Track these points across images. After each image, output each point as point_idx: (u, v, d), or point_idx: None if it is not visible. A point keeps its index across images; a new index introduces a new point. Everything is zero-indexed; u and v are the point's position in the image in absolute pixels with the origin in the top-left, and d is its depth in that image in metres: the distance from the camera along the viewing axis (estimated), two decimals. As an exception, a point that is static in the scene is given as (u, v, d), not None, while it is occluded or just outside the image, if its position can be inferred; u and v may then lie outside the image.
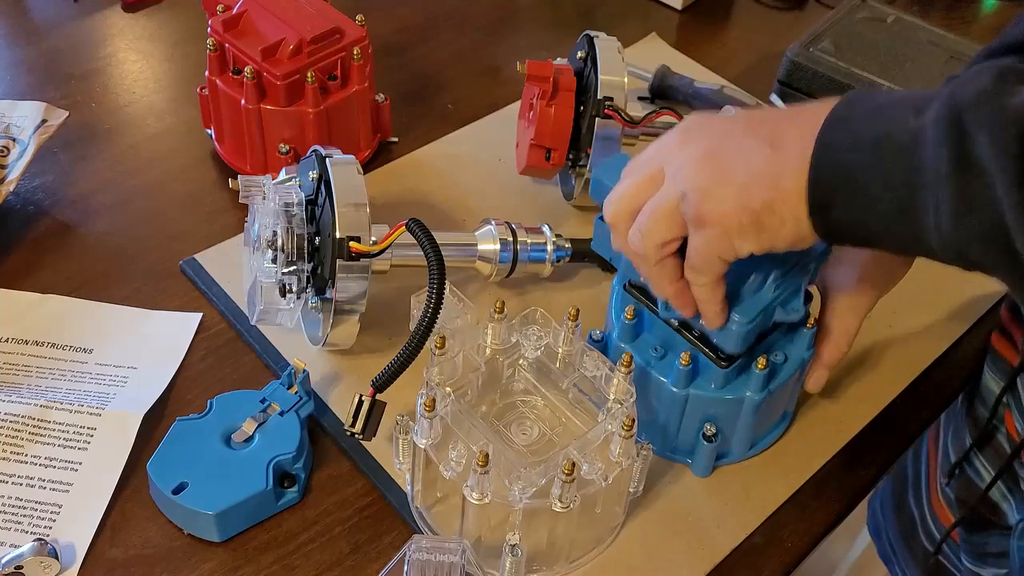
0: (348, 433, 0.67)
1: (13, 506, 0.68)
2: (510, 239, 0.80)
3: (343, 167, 0.72)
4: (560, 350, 0.69)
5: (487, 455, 0.60)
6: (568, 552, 0.66)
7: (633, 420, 0.62)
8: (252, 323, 0.75)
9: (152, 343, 0.79)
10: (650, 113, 0.84)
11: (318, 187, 0.73)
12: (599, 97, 0.83)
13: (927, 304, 0.86)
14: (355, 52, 0.88)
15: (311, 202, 0.73)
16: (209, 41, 0.87)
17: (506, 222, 0.81)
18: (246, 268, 0.76)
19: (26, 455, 0.70)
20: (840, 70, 0.99)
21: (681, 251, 0.60)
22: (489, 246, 0.80)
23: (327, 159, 0.72)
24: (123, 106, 1.01)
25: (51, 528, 0.67)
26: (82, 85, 1.02)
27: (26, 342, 0.78)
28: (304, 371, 0.72)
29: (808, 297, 0.70)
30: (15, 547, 0.64)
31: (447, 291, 0.68)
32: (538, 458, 0.64)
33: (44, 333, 0.79)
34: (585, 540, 0.67)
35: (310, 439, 0.71)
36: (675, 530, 0.70)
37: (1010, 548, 0.79)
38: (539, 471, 0.61)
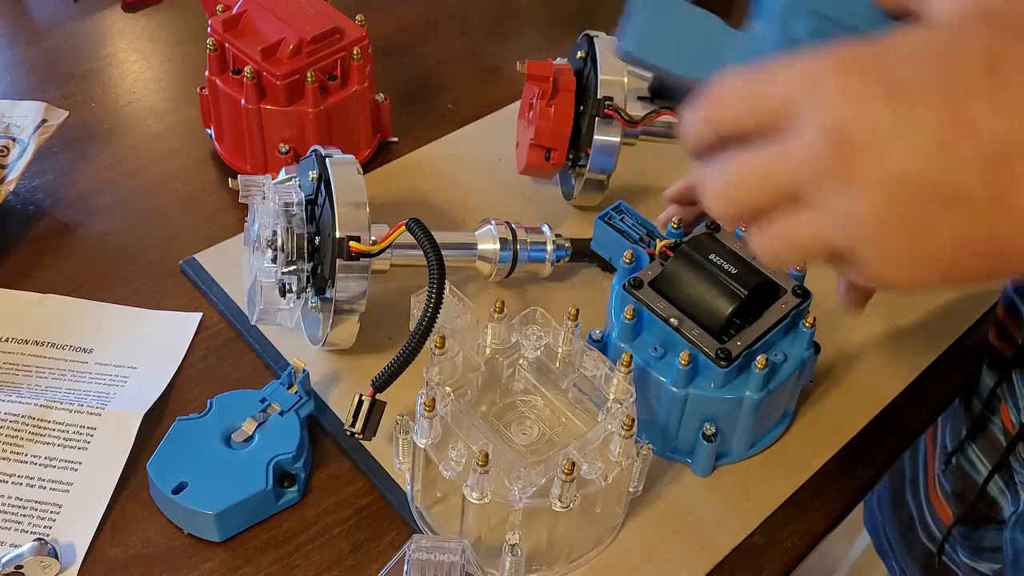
0: (348, 433, 0.67)
1: (13, 506, 0.68)
2: (510, 239, 0.80)
3: (343, 167, 0.72)
4: (560, 350, 0.69)
5: (487, 455, 0.60)
6: (568, 552, 0.66)
7: (633, 420, 0.62)
8: (252, 323, 0.75)
9: (152, 343, 0.79)
10: (650, 113, 0.84)
11: (318, 187, 0.73)
12: (599, 97, 0.83)
13: (927, 304, 0.86)
14: (355, 52, 0.88)
15: (311, 202, 0.73)
16: (209, 41, 0.87)
17: (506, 222, 0.81)
18: (246, 268, 0.76)
19: (26, 455, 0.70)
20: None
21: None
22: (489, 246, 0.80)
23: (327, 159, 0.72)
24: (123, 106, 1.01)
25: (51, 528, 0.67)
26: (82, 85, 1.02)
27: (26, 342, 0.78)
28: (304, 371, 0.72)
29: (808, 295, 0.70)
30: (15, 547, 0.64)
31: (447, 291, 0.68)
32: (538, 458, 0.64)
33: (44, 333, 0.79)
34: (585, 540, 0.67)
35: (310, 439, 0.71)
36: (675, 530, 0.70)
37: (1003, 540, 0.79)
38: (539, 471, 0.61)
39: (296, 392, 0.72)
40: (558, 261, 0.83)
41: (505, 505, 0.61)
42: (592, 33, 0.88)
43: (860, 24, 0.47)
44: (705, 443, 0.70)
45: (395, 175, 0.95)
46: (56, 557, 0.64)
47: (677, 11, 0.49)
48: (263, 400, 0.71)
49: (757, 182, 0.41)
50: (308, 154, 0.76)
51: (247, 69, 0.84)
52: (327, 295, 0.72)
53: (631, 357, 0.65)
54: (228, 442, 0.69)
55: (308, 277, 0.73)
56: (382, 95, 0.95)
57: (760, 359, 0.67)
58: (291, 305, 0.73)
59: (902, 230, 0.38)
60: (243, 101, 0.86)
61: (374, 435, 0.68)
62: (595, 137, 0.83)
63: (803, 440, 0.76)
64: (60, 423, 0.72)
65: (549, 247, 0.82)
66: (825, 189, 0.38)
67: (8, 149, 0.86)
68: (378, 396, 0.68)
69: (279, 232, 0.71)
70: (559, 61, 0.87)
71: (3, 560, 0.63)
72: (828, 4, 0.47)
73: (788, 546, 0.71)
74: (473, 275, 0.83)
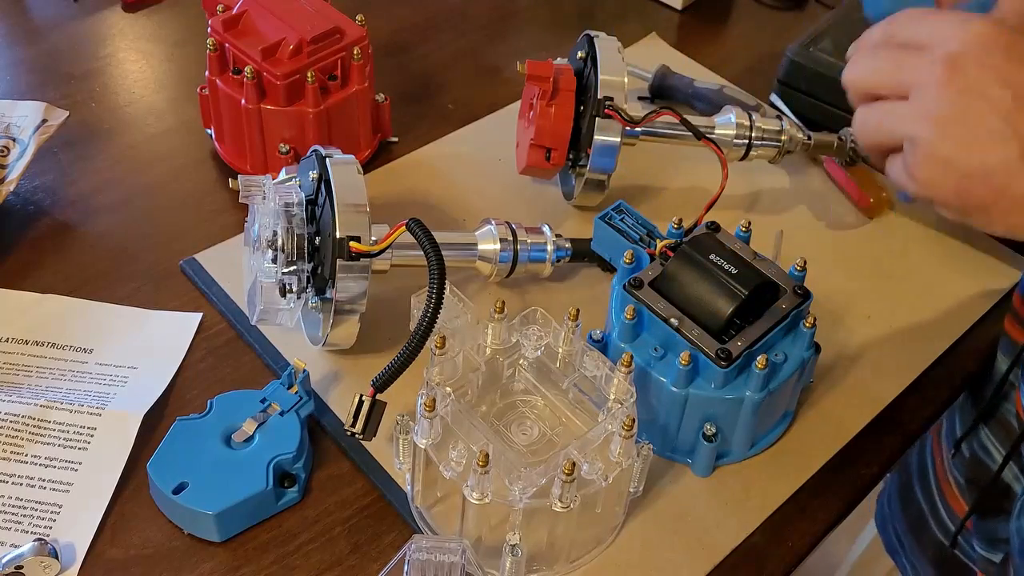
0: (348, 433, 0.67)
1: (13, 506, 0.68)
2: (510, 239, 0.80)
3: (343, 167, 0.72)
4: (560, 350, 0.69)
5: (487, 455, 0.60)
6: (568, 552, 0.66)
7: (633, 420, 0.62)
8: (252, 323, 0.75)
9: (152, 343, 0.79)
10: (650, 113, 0.84)
11: (318, 187, 0.73)
12: (599, 97, 0.83)
13: (927, 304, 0.86)
14: (355, 52, 0.88)
15: (311, 202, 0.73)
16: (209, 41, 0.87)
17: (506, 222, 0.81)
18: (246, 268, 0.76)
19: (26, 455, 0.70)
20: (840, 70, 0.98)
21: None
22: (489, 246, 0.80)
23: (327, 159, 0.72)
24: (123, 106, 1.01)
25: (51, 528, 0.67)
26: (82, 85, 1.02)
27: (26, 342, 0.78)
28: (304, 371, 0.72)
29: (808, 295, 0.70)
30: (15, 547, 0.64)
31: (447, 291, 0.68)
32: (538, 458, 0.64)
33: (44, 333, 0.79)
34: (585, 540, 0.67)
35: (310, 439, 0.71)
36: (675, 530, 0.70)
37: (1010, 530, 0.79)
38: (539, 471, 0.61)
39: (296, 392, 0.72)
40: (558, 261, 0.83)
41: (505, 505, 0.61)
42: (592, 33, 0.88)
43: None
44: (705, 443, 0.70)
45: (395, 175, 0.95)
46: (56, 557, 0.64)
47: None
48: (263, 400, 0.71)
49: (884, 67, 0.56)
50: (308, 154, 0.76)
51: (247, 69, 0.84)
52: (327, 295, 0.72)
53: (631, 357, 0.65)
54: (228, 442, 0.69)
55: (308, 277, 0.73)
56: (382, 95, 0.95)
57: (760, 359, 0.67)
58: (291, 305, 0.73)
59: (959, 137, 0.52)
60: (243, 101, 0.86)
61: (374, 435, 0.68)
62: (595, 137, 0.83)
63: (803, 440, 0.76)
64: (60, 423, 0.72)
65: (549, 247, 0.82)
66: (925, 90, 0.53)
67: (8, 149, 0.86)
68: (378, 396, 0.67)
69: (279, 232, 0.71)
70: (559, 61, 0.87)
71: (3, 560, 0.63)
72: None
73: (789, 546, 0.70)
74: (473, 275, 0.83)
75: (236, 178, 0.73)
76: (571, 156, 0.87)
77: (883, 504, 1.08)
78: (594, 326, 0.74)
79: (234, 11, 0.88)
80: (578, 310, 0.68)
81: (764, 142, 0.90)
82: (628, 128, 0.84)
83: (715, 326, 0.68)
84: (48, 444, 0.71)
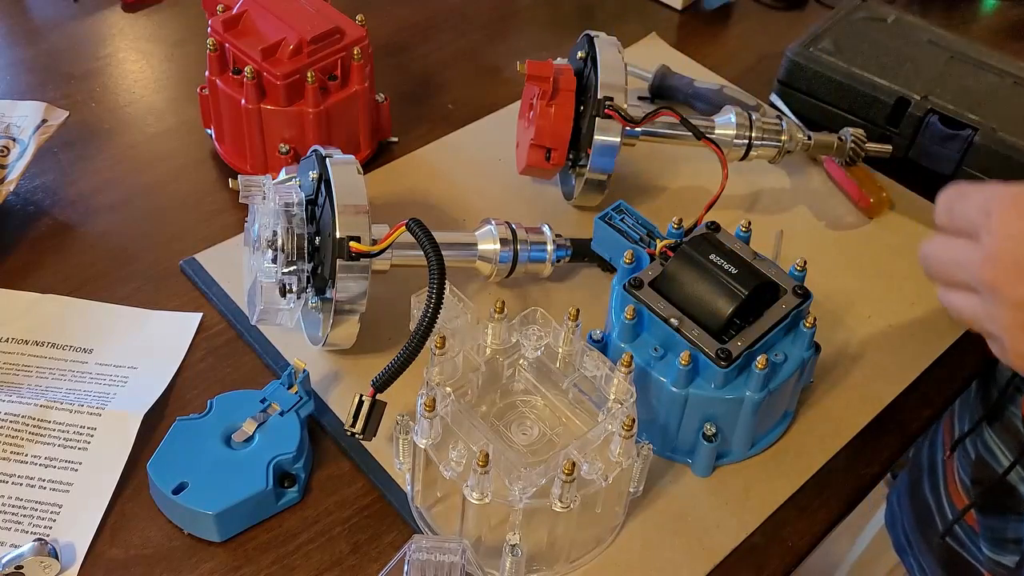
0: (348, 433, 0.67)
1: (13, 506, 0.68)
2: (510, 239, 0.80)
3: (343, 167, 0.72)
4: (560, 350, 0.69)
5: (487, 455, 0.60)
6: (568, 552, 0.66)
7: (633, 420, 0.62)
8: (252, 323, 0.75)
9: (152, 343, 0.79)
10: (650, 113, 0.84)
11: (318, 187, 0.73)
12: (599, 97, 0.83)
13: (927, 304, 0.86)
14: (355, 52, 0.88)
15: (311, 202, 0.73)
16: (209, 41, 0.87)
17: (506, 222, 0.81)
18: (246, 268, 0.76)
19: (26, 455, 0.70)
20: (840, 70, 0.99)
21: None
22: (489, 246, 0.80)
23: (327, 159, 0.72)
24: (123, 106, 1.01)
25: (51, 528, 0.67)
26: (82, 85, 1.02)
27: (26, 342, 0.78)
28: (304, 371, 0.72)
29: (808, 295, 0.70)
30: (15, 547, 0.64)
31: (447, 291, 0.68)
32: (538, 458, 0.64)
33: (44, 333, 0.79)
34: (585, 540, 0.67)
35: (310, 439, 0.71)
36: (675, 530, 0.70)
37: (1021, 531, 0.79)
38: (539, 471, 0.61)
39: (296, 392, 0.72)
40: (558, 261, 0.83)
41: (505, 505, 0.61)
42: (592, 33, 0.88)
43: None
44: (705, 443, 0.70)
45: (395, 175, 0.95)
46: (56, 557, 0.64)
47: None
48: (263, 400, 0.71)
49: (946, 267, 0.57)
50: (308, 154, 0.76)
51: (247, 69, 0.84)
52: (327, 295, 0.72)
53: (631, 357, 0.65)
54: (228, 442, 0.69)
55: (308, 277, 0.73)
56: (382, 95, 0.95)
57: (760, 359, 0.67)
58: (291, 305, 0.73)
59: None
60: (243, 101, 0.86)
61: (374, 435, 0.68)
62: (595, 137, 0.83)
63: (803, 440, 0.76)
64: (60, 423, 0.72)
65: (549, 247, 0.82)
66: (984, 294, 0.54)
67: (8, 149, 0.86)
68: (378, 396, 0.67)
69: (279, 232, 0.71)
70: (559, 61, 0.87)
71: (3, 560, 0.63)
72: None
73: (789, 546, 0.70)
74: (473, 275, 0.83)
75: (236, 178, 0.73)
76: (571, 156, 0.87)
77: (892, 502, 1.09)
78: (594, 326, 0.74)
79: (234, 11, 0.88)
80: (578, 310, 0.68)
81: (764, 142, 0.90)
82: (628, 128, 0.84)
83: (715, 326, 0.68)
84: (48, 444, 0.71)
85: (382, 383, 0.67)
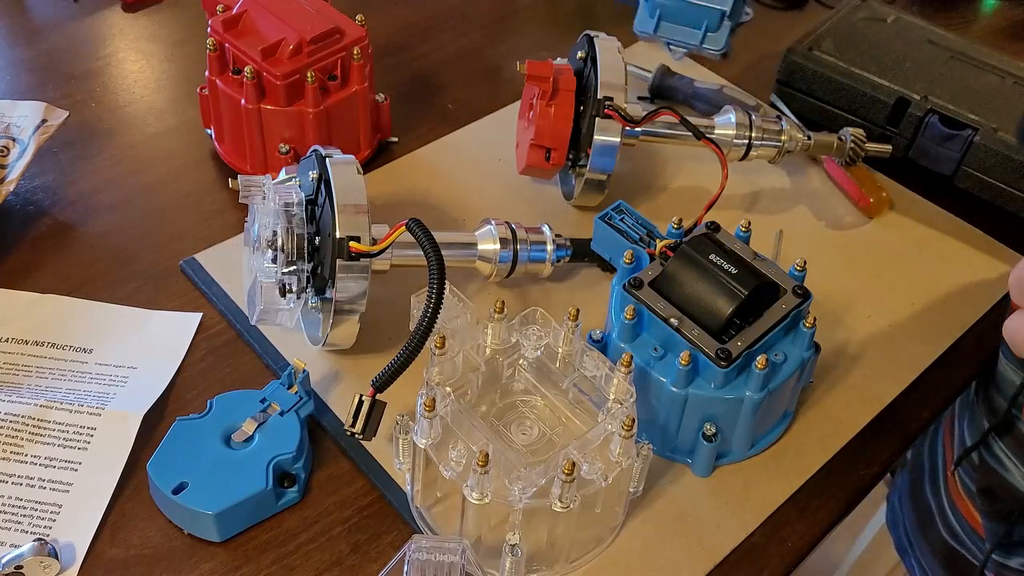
0: (348, 433, 0.67)
1: (13, 506, 0.68)
2: (510, 239, 0.80)
3: (343, 167, 0.72)
4: (560, 350, 0.69)
5: (487, 455, 0.60)
6: (568, 552, 0.66)
7: (633, 420, 0.62)
8: (252, 323, 0.75)
9: (152, 343, 0.79)
10: (650, 113, 0.84)
11: (318, 187, 0.73)
12: (599, 97, 0.83)
13: (927, 304, 0.86)
14: (355, 52, 0.88)
15: (311, 202, 0.73)
16: (209, 41, 0.87)
17: (506, 222, 0.81)
18: (246, 268, 0.76)
19: (26, 455, 0.70)
20: (840, 70, 0.99)
21: None
22: (489, 246, 0.80)
23: (327, 159, 0.72)
24: (123, 106, 1.01)
25: (51, 528, 0.67)
26: (82, 85, 1.02)
27: (26, 342, 0.78)
28: (304, 371, 0.72)
29: (808, 295, 0.70)
30: (15, 547, 0.64)
31: (447, 291, 0.68)
32: (538, 458, 0.64)
33: (44, 333, 0.79)
34: (585, 540, 0.67)
35: (310, 439, 0.71)
36: (675, 530, 0.70)
37: None
38: (539, 471, 0.61)
39: (296, 392, 0.72)
40: (558, 261, 0.83)
41: (505, 505, 0.61)
42: (592, 33, 0.88)
43: None
44: (705, 443, 0.70)
45: (395, 175, 0.95)
46: (56, 557, 0.64)
47: None
48: (263, 400, 0.71)
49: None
50: (308, 154, 0.76)
51: (247, 69, 0.84)
52: (327, 295, 0.72)
53: (631, 357, 0.65)
54: (228, 442, 0.69)
55: (308, 277, 0.73)
56: (382, 95, 0.95)
57: (760, 359, 0.67)
58: (291, 305, 0.73)
59: None
60: (243, 101, 0.86)
61: (374, 435, 0.68)
62: (595, 137, 0.83)
63: (803, 440, 0.76)
64: (60, 423, 0.72)
65: (549, 247, 0.82)
66: None
67: (8, 149, 0.86)
68: (378, 396, 0.67)
69: (279, 232, 0.71)
70: (559, 61, 0.87)
71: (3, 560, 0.63)
72: None
73: (788, 546, 0.70)
74: (473, 275, 0.83)
75: (236, 178, 0.73)
76: (571, 156, 0.87)
77: (894, 503, 1.09)
78: (594, 326, 0.74)
79: (234, 11, 0.88)
80: (578, 310, 0.68)
81: (764, 142, 0.90)
82: (628, 128, 0.84)
83: (715, 326, 0.68)
84: (48, 444, 0.71)
85: (382, 383, 0.67)
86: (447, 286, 0.68)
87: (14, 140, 0.87)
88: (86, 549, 0.66)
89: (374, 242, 0.70)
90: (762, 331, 0.68)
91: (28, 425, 0.71)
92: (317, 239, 0.72)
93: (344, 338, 0.75)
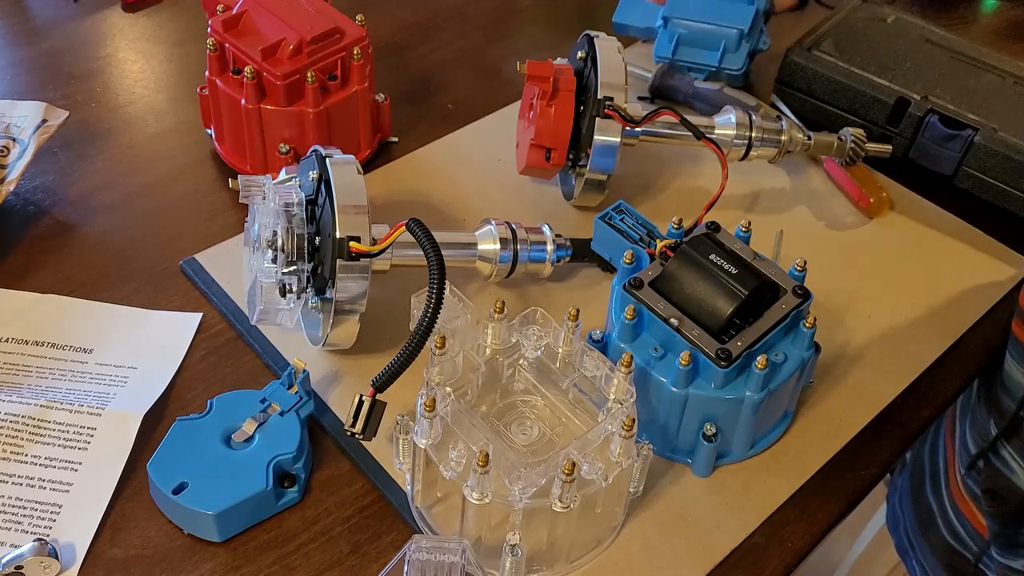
0: (348, 433, 0.67)
1: (13, 506, 0.68)
2: (510, 239, 0.80)
3: (343, 167, 0.72)
4: (560, 350, 0.69)
5: (487, 455, 0.60)
6: (568, 552, 0.66)
7: (633, 420, 0.62)
8: (252, 323, 0.75)
9: (152, 343, 0.79)
10: (650, 113, 0.84)
11: (318, 187, 0.73)
12: (599, 97, 0.83)
13: (927, 304, 0.86)
14: (355, 52, 0.88)
15: (311, 202, 0.73)
16: (209, 41, 0.87)
17: (506, 222, 0.81)
18: (246, 268, 0.76)
19: (26, 455, 0.70)
20: (840, 70, 0.99)
21: None
22: (489, 246, 0.80)
23: (327, 159, 0.72)
24: (123, 106, 1.01)
25: (51, 528, 0.67)
26: (82, 85, 1.02)
27: (26, 342, 0.78)
28: (304, 371, 0.72)
29: (808, 295, 0.70)
30: (15, 547, 0.64)
31: (447, 291, 0.68)
32: (538, 458, 0.64)
33: (44, 333, 0.79)
34: (585, 540, 0.67)
35: (310, 439, 0.71)
36: (675, 530, 0.70)
37: None
38: (539, 471, 0.61)
39: (296, 392, 0.72)
40: (558, 261, 0.83)
41: (505, 505, 0.61)
42: (592, 33, 0.88)
43: None
44: (705, 443, 0.70)
45: (395, 175, 0.95)
46: (56, 557, 0.64)
47: None
48: (263, 400, 0.71)
49: None
50: (308, 154, 0.76)
51: (247, 69, 0.84)
52: (327, 295, 0.72)
53: (631, 357, 0.65)
54: (228, 442, 0.69)
55: (308, 277, 0.73)
56: (382, 95, 0.95)
57: (760, 359, 0.67)
58: (291, 305, 0.73)
59: None
60: (243, 101, 0.86)
61: (374, 435, 0.68)
62: (595, 137, 0.83)
63: (803, 440, 0.76)
64: (60, 423, 0.72)
65: (549, 247, 0.82)
66: None
67: (8, 149, 0.86)
68: (378, 396, 0.67)
69: (279, 232, 0.71)
70: (559, 61, 0.87)
71: (3, 560, 0.63)
72: None
73: (788, 546, 0.70)
74: (473, 275, 0.83)
75: (236, 178, 0.73)
76: (571, 156, 0.87)
77: (894, 505, 1.09)
78: (594, 326, 0.74)
79: (234, 11, 0.88)
80: (578, 310, 0.68)
81: (764, 142, 0.90)
82: (628, 128, 0.84)
83: (715, 326, 0.68)
84: (48, 444, 0.71)
85: (382, 383, 0.67)
86: (447, 286, 0.68)
87: (14, 140, 0.87)
88: (86, 549, 0.66)
89: (374, 242, 0.70)
90: (762, 331, 0.68)
91: (28, 425, 0.71)
92: (317, 239, 0.72)
93: (344, 338, 0.75)
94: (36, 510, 0.68)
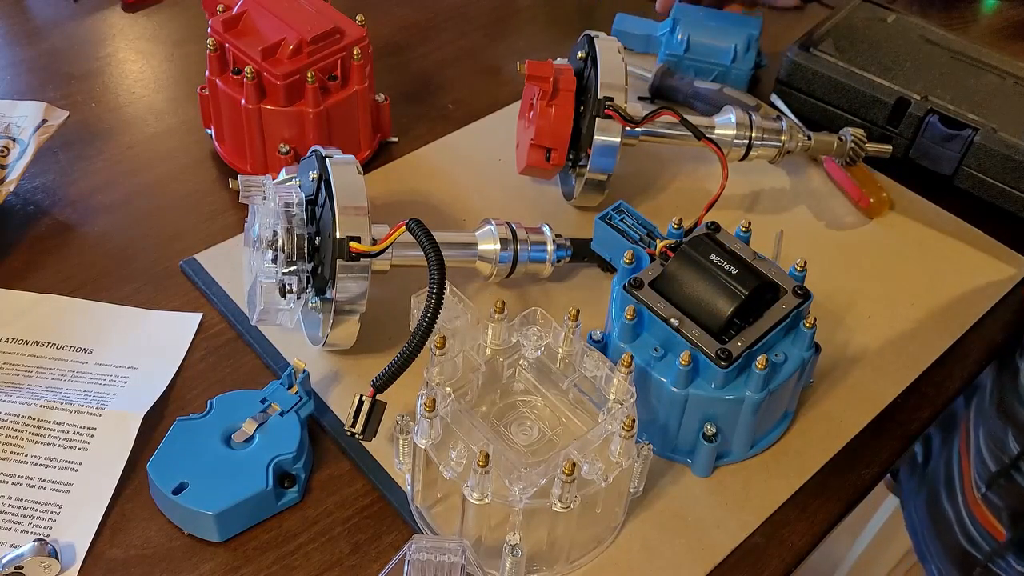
0: (348, 433, 0.67)
1: (13, 506, 0.68)
2: (510, 239, 0.80)
3: (343, 167, 0.72)
4: (560, 350, 0.69)
5: (487, 455, 0.60)
6: (568, 552, 0.66)
7: (633, 420, 0.62)
8: (252, 323, 0.75)
9: (152, 343, 0.79)
10: (650, 113, 0.84)
11: (318, 187, 0.73)
12: (599, 97, 0.83)
13: (927, 304, 0.86)
14: (355, 52, 0.88)
15: (311, 202, 0.73)
16: (209, 41, 0.87)
17: (506, 222, 0.81)
18: (246, 268, 0.76)
19: (26, 455, 0.70)
20: (840, 70, 0.99)
21: None
22: (489, 246, 0.80)
23: (327, 159, 0.72)
24: (123, 106, 1.01)
25: (51, 528, 0.67)
26: (82, 85, 1.02)
27: (26, 342, 0.78)
28: (304, 371, 0.72)
29: (808, 295, 0.70)
30: (15, 547, 0.64)
31: (447, 291, 0.68)
32: (538, 458, 0.64)
33: (44, 333, 0.79)
34: (585, 540, 0.67)
35: (310, 439, 0.71)
36: (675, 530, 0.70)
37: None
38: (539, 471, 0.61)
39: (296, 392, 0.72)
40: (558, 261, 0.83)
41: (505, 505, 0.61)
42: (592, 33, 0.88)
43: None
44: (705, 443, 0.70)
45: (395, 175, 0.95)
46: (56, 557, 0.64)
47: None
48: (263, 400, 0.71)
49: None
50: (308, 154, 0.76)
51: (247, 69, 0.84)
52: (327, 295, 0.72)
53: (631, 357, 0.65)
54: (228, 442, 0.69)
55: (308, 277, 0.73)
56: (382, 95, 0.95)
57: (760, 359, 0.67)
58: (291, 305, 0.73)
59: None
60: (243, 101, 0.86)
61: (374, 435, 0.68)
62: (595, 137, 0.83)
63: (803, 440, 0.76)
64: (60, 423, 0.72)
65: (549, 247, 0.82)
66: None
67: (8, 149, 0.86)
68: (378, 396, 0.67)
69: (279, 232, 0.71)
70: (559, 61, 0.87)
71: (3, 560, 0.63)
72: None
73: (789, 546, 0.70)
74: (473, 275, 0.83)
75: (236, 178, 0.73)
76: (571, 156, 0.87)
77: (911, 512, 1.08)
78: (594, 326, 0.74)
79: (234, 11, 0.88)
80: (578, 310, 0.68)
81: (764, 142, 0.90)
82: (628, 128, 0.84)
83: (715, 326, 0.68)
84: (48, 444, 0.71)
85: (382, 383, 0.67)
86: (447, 286, 0.68)
87: (14, 140, 0.87)
88: (86, 549, 0.66)
89: (374, 242, 0.70)
90: (762, 331, 0.68)
91: (28, 425, 0.71)
92: (317, 239, 0.72)
93: (344, 338, 0.75)
94: (36, 510, 0.68)
